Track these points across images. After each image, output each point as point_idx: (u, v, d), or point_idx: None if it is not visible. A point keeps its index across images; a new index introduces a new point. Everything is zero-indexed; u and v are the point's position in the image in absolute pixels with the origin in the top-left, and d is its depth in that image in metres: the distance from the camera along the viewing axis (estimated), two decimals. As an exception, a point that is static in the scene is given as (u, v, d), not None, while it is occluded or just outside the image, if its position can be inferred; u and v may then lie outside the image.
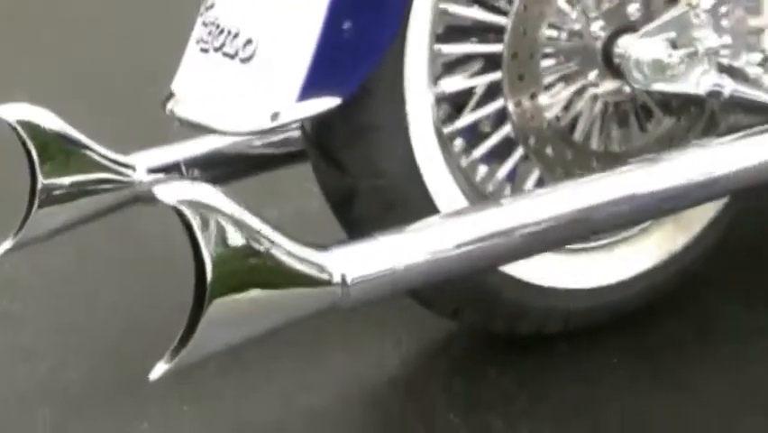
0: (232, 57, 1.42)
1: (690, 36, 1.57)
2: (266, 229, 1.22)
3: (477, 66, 1.59)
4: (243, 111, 1.40)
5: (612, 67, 1.57)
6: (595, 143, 1.63)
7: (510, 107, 1.56)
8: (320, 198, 1.56)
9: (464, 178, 1.56)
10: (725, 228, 1.72)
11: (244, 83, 1.40)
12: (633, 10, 1.58)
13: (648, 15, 1.58)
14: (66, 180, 1.61)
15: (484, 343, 1.69)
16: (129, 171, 1.66)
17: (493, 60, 1.55)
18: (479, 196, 1.57)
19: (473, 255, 1.33)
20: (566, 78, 1.58)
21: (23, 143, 1.59)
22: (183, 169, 1.70)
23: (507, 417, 1.55)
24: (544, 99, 1.57)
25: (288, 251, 1.23)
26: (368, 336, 1.72)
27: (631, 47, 1.55)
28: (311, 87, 1.38)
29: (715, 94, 1.58)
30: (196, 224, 1.18)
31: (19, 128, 1.59)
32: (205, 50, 1.46)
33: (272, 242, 1.22)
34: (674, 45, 1.56)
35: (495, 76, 1.55)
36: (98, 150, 1.64)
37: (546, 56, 1.56)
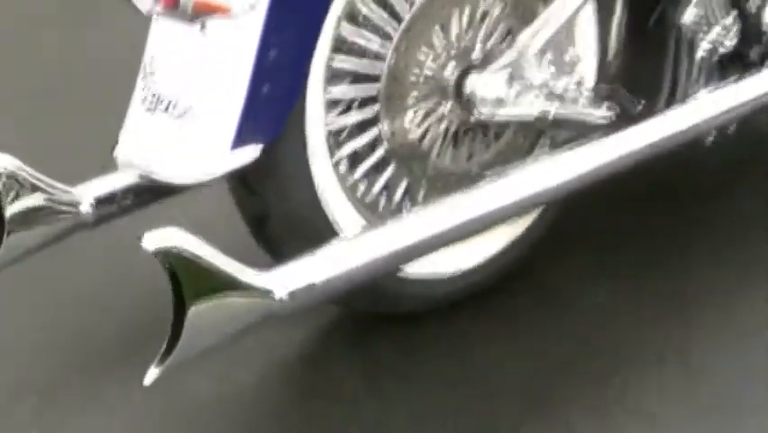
0: (177, 118, 1.78)
1: (522, 74, 2.01)
2: (228, 262, 1.61)
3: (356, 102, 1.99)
4: (188, 164, 1.77)
5: (462, 100, 2.00)
6: (448, 161, 2.06)
7: (384, 134, 1.97)
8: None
9: (352, 194, 1.97)
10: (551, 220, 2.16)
11: (188, 140, 1.77)
12: (476, 54, 2.01)
13: (489, 57, 2.01)
14: (24, 214, 1.95)
15: (373, 322, 2.12)
16: (76, 203, 2.00)
17: (371, 99, 1.96)
18: (364, 206, 1.99)
19: (378, 264, 1.75)
20: (427, 110, 2.00)
21: None
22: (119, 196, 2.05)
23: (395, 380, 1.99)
24: (409, 127, 1.99)
25: (244, 277, 1.63)
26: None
27: (476, 85, 1.98)
28: (240, 141, 1.76)
29: (542, 117, 2.03)
30: (176, 264, 1.56)
31: None
32: (150, 110, 1.82)
33: (232, 272, 1.61)
34: (510, 81, 2.00)
35: (372, 109, 1.96)
36: (50, 184, 1.97)
37: (412, 94, 1.98)
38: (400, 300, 2.02)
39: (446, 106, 2.01)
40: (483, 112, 1.99)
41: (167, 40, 1.82)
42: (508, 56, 2.00)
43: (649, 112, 2.12)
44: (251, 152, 1.78)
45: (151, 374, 1.59)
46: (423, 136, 2.01)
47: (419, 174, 2.03)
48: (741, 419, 1.88)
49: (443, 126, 2.02)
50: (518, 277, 2.15)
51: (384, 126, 1.96)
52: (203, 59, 1.78)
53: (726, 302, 2.14)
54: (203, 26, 1.77)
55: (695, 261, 2.24)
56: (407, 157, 2.01)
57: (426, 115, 2.00)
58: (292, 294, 1.66)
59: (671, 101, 2.15)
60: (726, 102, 2.13)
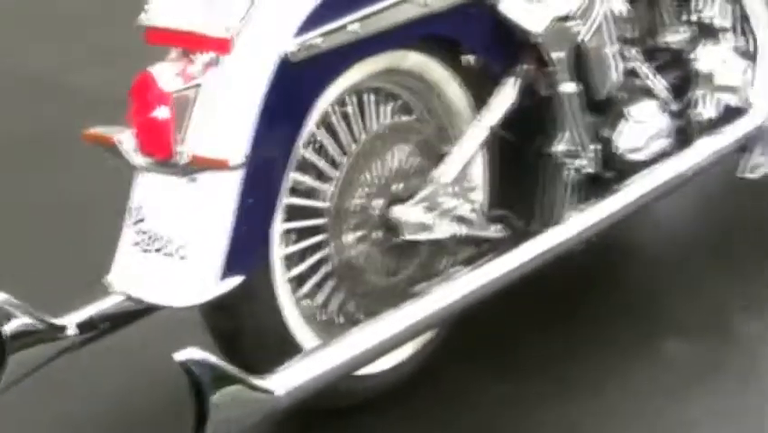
0: (171, 255, 2.15)
1: (437, 202, 2.45)
2: (238, 370, 1.98)
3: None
4: (183, 291, 2.14)
5: (391, 227, 2.43)
6: (377, 277, 2.48)
7: (330, 254, 2.38)
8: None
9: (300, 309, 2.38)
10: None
11: (182, 272, 2.14)
12: (398, 190, 2.45)
13: (408, 191, 2.45)
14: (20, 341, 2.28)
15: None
16: (63, 330, 2.34)
17: (319, 229, 2.37)
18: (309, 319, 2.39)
19: (345, 366, 2.16)
20: (361, 235, 2.43)
21: None
22: (99, 323, 2.40)
23: None
24: (351, 249, 2.40)
25: (252, 380, 2.01)
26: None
27: (402, 214, 2.41)
28: (226, 273, 2.15)
29: (452, 237, 2.47)
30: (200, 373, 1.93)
31: None
32: (145, 250, 2.18)
33: (243, 377, 1.99)
34: (428, 210, 2.44)
35: (319, 238, 2.37)
36: (39, 316, 2.31)
37: (351, 224, 2.40)
38: (349, 394, 2.41)
39: (376, 232, 2.43)
40: (408, 235, 2.42)
41: (154, 189, 2.19)
42: (426, 189, 2.44)
43: (530, 230, 2.59)
44: (235, 280, 2.16)
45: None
46: (358, 257, 2.43)
47: (353, 290, 2.45)
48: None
49: (372, 248, 2.44)
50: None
51: (329, 250, 2.37)
52: (192, 206, 2.15)
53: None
54: (192, 179, 2.15)
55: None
56: (345, 276, 2.42)
57: (360, 240, 2.42)
58: (288, 393, 2.05)
59: (546, 218, 2.63)
60: (591, 219, 2.61)
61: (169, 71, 2.15)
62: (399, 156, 2.45)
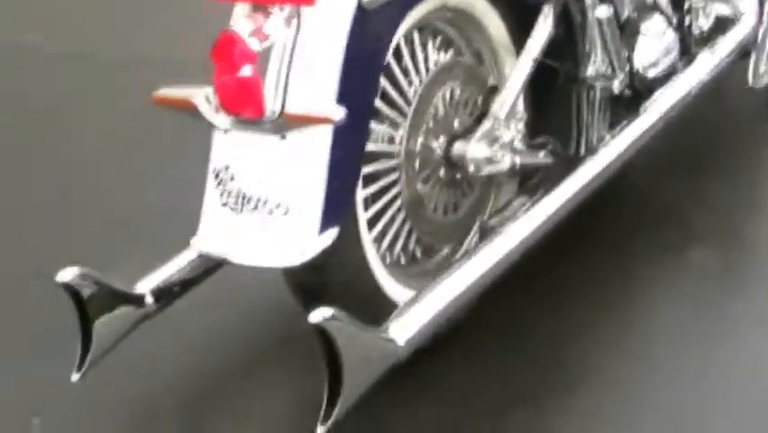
0: (269, 214, 2.12)
1: (496, 135, 2.47)
2: (362, 324, 1.98)
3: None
4: (284, 250, 2.12)
5: (454, 163, 2.45)
6: (441, 216, 2.50)
7: (401, 194, 2.39)
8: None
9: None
10: None
11: (281, 230, 2.12)
12: (456, 127, 2.46)
13: (466, 127, 2.47)
14: (109, 317, 2.24)
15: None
16: (142, 299, 2.30)
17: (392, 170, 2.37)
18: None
19: (455, 303, 2.17)
20: (429, 176, 2.44)
21: (75, 295, 2.19)
22: (174, 288, 2.36)
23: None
24: (419, 189, 2.41)
25: (377, 333, 2.01)
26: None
27: (468, 150, 2.43)
28: (324, 227, 2.13)
29: (510, 168, 2.50)
30: (332, 330, 1.92)
31: (73, 285, 2.19)
32: (236, 210, 2.15)
33: (368, 331, 1.99)
34: (491, 144, 2.46)
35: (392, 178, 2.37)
36: (122, 290, 2.27)
37: (419, 165, 2.41)
38: None
39: (440, 170, 2.44)
40: (472, 170, 2.44)
41: (241, 149, 2.15)
42: (486, 124, 2.46)
43: (572, 156, 2.64)
44: (333, 233, 2.15)
45: (322, 430, 1.94)
46: (425, 196, 2.43)
47: (420, 229, 2.46)
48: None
49: (436, 186, 2.46)
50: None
51: (401, 190, 2.38)
52: (286, 163, 2.12)
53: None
54: (282, 136, 2.12)
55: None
56: (414, 216, 2.43)
57: (427, 179, 2.43)
58: (408, 341, 2.06)
59: (585, 142, 2.68)
60: (628, 139, 2.67)
61: (248, 28, 2.10)
62: (453, 93, 2.46)
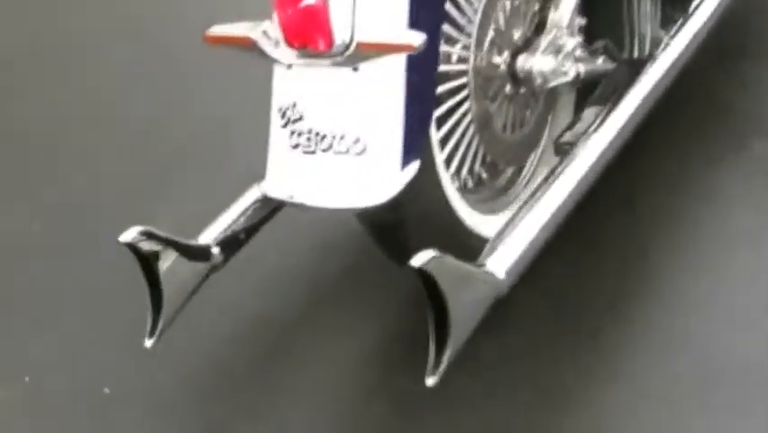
0: (346, 152, 1.98)
1: (560, 45, 2.33)
2: (463, 263, 1.85)
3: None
4: (367, 189, 1.98)
5: (521, 78, 2.31)
6: (510, 131, 2.37)
7: (470, 112, 2.25)
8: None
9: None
10: None
11: (362, 168, 1.98)
12: (517, 40, 2.31)
13: (529, 40, 2.32)
14: (177, 274, 2.10)
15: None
16: (209, 253, 2.16)
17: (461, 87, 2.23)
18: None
19: (548, 227, 2.04)
20: (497, 92, 2.30)
21: (139, 253, 2.05)
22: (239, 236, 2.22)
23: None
24: (491, 107, 2.28)
25: (477, 268, 1.89)
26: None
27: (535, 63, 2.29)
28: (406, 160, 1.99)
29: (576, 77, 2.37)
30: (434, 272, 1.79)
31: (137, 245, 2.05)
32: (310, 152, 2.00)
33: (468, 267, 1.87)
34: (555, 54, 2.32)
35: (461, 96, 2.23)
36: (187, 244, 2.13)
37: (487, 80, 2.27)
38: None
39: (507, 85, 2.31)
40: (539, 83, 2.30)
41: (309, 85, 2.00)
42: (548, 35, 2.31)
43: (632, 58, 2.51)
44: (413, 168, 2.01)
45: (431, 381, 1.82)
46: (494, 114, 2.30)
47: (489, 147, 2.33)
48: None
49: (504, 102, 2.32)
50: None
51: (469, 108, 2.24)
52: (360, 96, 1.97)
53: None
54: (355, 68, 1.97)
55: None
56: (483, 135, 2.30)
57: (494, 96, 2.29)
58: (507, 272, 1.93)
59: (641, 44, 2.55)
60: (685, 39, 2.53)
61: None
62: (513, 3, 2.31)
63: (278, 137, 2.04)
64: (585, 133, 2.23)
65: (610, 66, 2.46)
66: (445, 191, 2.17)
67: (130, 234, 2.04)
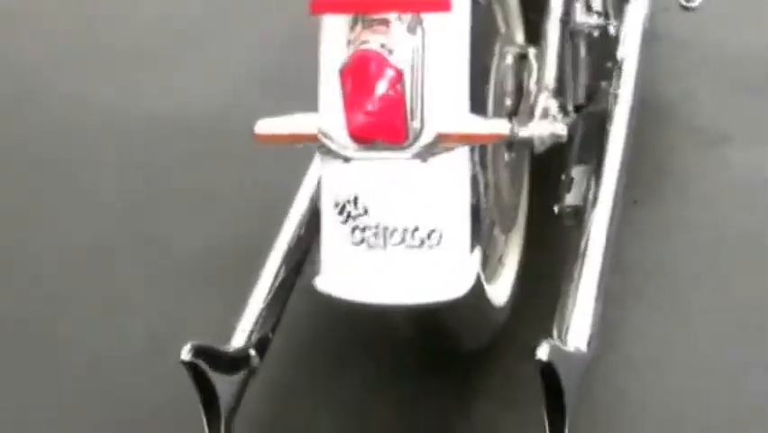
0: (419, 246, 1.91)
1: (549, 105, 2.34)
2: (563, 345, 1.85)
3: None
4: (446, 284, 1.92)
5: (511, 144, 2.30)
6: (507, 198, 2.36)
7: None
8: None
9: None
10: None
11: (435, 263, 1.91)
12: (509, 107, 2.31)
13: (517, 105, 2.32)
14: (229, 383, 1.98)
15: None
16: (249, 356, 2.04)
17: None
18: None
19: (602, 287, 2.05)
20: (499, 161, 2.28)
21: (198, 370, 1.91)
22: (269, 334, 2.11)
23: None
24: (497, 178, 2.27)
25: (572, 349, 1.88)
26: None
27: (533, 130, 2.26)
28: (472, 249, 1.95)
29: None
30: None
31: (198, 364, 1.90)
32: (377, 246, 1.91)
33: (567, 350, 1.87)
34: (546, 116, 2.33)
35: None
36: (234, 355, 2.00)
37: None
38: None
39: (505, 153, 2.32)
40: (536, 148, 2.28)
41: (374, 177, 1.91)
42: (540, 100, 2.35)
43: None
44: (478, 254, 1.97)
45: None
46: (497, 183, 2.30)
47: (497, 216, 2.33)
48: None
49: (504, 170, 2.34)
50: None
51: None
52: (432, 187, 1.90)
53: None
54: (424, 159, 1.90)
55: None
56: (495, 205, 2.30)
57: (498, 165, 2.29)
58: (588, 345, 1.93)
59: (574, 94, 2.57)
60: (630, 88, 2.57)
61: (378, 42, 1.86)
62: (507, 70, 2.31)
63: (337, 233, 1.94)
64: (587, 195, 2.26)
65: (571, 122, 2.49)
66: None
67: (187, 353, 1.90)
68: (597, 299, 2.01)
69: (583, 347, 1.92)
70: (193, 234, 2.71)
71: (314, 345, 2.42)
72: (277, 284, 2.17)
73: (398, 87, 1.84)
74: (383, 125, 1.86)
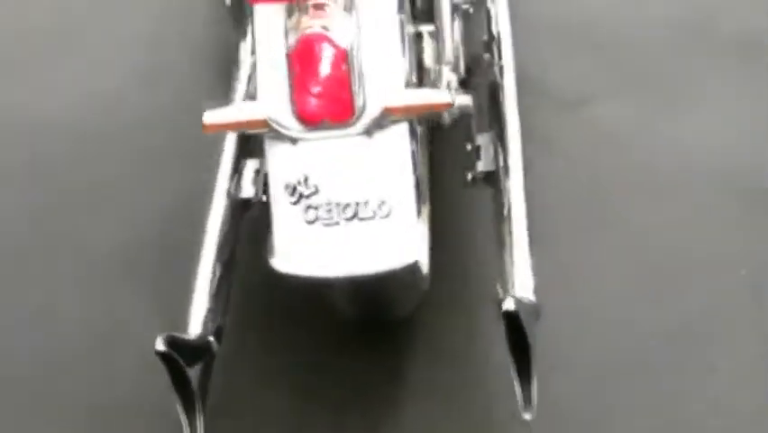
0: (371, 218, 1.99)
1: (450, 80, 2.44)
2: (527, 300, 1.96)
3: None
4: (397, 253, 2.01)
5: None
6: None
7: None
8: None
9: None
10: None
11: (387, 233, 2.00)
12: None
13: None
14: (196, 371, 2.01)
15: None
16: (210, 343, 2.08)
17: None
18: None
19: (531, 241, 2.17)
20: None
21: (170, 358, 1.95)
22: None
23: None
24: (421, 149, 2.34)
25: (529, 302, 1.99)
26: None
27: None
28: (417, 216, 2.05)
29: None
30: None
31: (173, 354, 1.94)
32: (332, 224, 1.99)
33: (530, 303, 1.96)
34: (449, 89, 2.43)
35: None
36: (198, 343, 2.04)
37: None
38: None
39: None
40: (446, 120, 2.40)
41: (321, 157, 1.98)
42: (442, 70, 2.42)
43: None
44: (423, 220, 2.07)
45: (528, 415, 1.91)
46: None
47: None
48: None
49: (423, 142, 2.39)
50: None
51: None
52: (379, 160, 1.99)
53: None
54: (369, 135, 1.98)
55: None
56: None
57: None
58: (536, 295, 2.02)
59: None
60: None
61: (319, 26, 1.93)
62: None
63: (290, 214, 2.01)
64: (498, 161, 2.37)
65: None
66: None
67: (161, 343, 1.93)
68: (530, 255, 2.13)
69: (532, 297, 2.03)
70: (103, 231, 2.72)
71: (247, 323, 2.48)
72: (218, 273, 2.20)
73: (344, 66, 1.92)
74: (331, 104, 1.94)
